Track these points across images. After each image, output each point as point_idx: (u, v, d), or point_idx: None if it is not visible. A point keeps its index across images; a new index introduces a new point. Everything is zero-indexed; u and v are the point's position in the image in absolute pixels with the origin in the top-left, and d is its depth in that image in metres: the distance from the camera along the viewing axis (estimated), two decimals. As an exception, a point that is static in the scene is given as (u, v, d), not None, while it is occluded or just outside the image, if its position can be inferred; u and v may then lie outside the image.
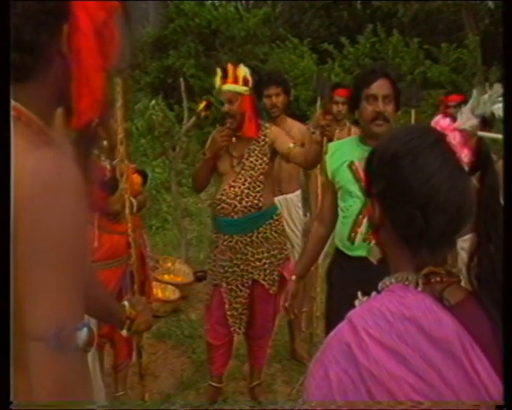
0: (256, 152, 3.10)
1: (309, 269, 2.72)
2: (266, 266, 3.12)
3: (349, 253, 2.43)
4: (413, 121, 4.84)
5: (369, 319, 0.92)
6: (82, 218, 0.91)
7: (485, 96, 0.99)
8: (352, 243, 2.41)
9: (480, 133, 1.01)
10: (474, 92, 1.01)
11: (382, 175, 1.01)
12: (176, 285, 4.75)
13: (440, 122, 1.02)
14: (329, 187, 2.54)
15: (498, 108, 1.01)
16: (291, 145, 3.03)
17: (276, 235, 3.14)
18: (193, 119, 4.96)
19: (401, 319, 0.91)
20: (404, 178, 0.97)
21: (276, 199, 3.52)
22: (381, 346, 0.90)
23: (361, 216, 2.36)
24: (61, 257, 0.85)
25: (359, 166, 2.35)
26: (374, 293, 1.04)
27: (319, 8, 14.57)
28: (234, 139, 3.09)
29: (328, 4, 14.46)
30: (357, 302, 1.05)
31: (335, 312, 2.42)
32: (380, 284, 1.03)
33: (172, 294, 4.65)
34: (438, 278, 0.97)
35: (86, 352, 0.91)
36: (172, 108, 7.37)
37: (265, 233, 3.10)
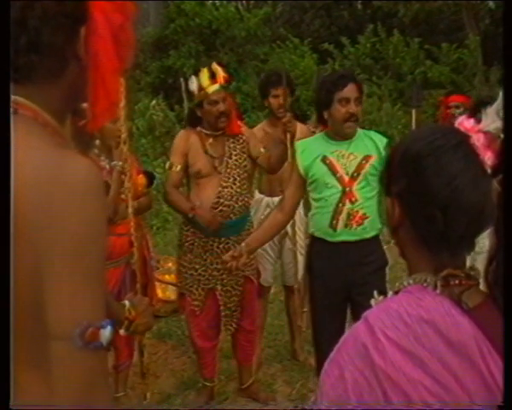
0: (237, 151, 3.12)
1: (256, 246, 2.83)
2: (253, 261, 3.20)
3: (331, 239, 2.65)
4: (413, 121, 4.84)
5: (387, 320, 0.92)
6: (105, 218, 0.92)
7: None
8: (335, 230, 2.63)
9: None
10: (500, 94, 0.99)
11: (404, 174, 0.99)
12: (176, 285, 4.73)
13: (464, 123, 1.01)
14: (295, 181, 2.75)
15: None
16: (262, 150, 3.18)
17: None
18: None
19: (419, 321, 0.90)
20: (426, 178, 0.96)
21: (278, 199, 3.52)
22: (398, 348, 0.89)
23: (341, 204, 2.61)
24: (87, 258, 0.85)
25: (333, 160, 2.65)
26: (390, 293, 1.03)
27: (320, 8, 14.57)
28: (211, 140, 3.08)
29: (329, 4, 14.45)
30: (373, 301, 1.03)
31: (319, 301, 2.76)
32: (397, 285, 1.01)
33: (173, 294, 4.63)
34: (457, 281, 0.96)
35: (108, 350, 0.92)
36: (173, 108, 7.36)
37: (251, 230, 3.14)
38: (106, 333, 0.86)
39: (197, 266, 3.10)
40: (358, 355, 0.91)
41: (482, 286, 0.99)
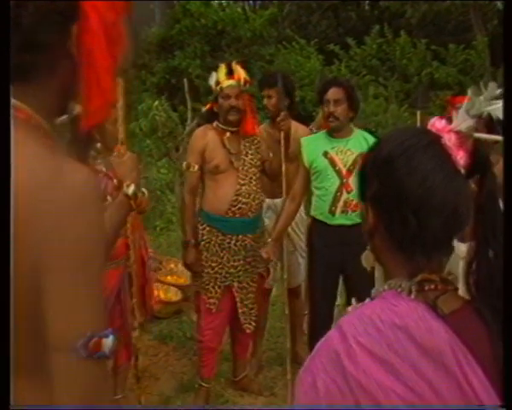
0: (253, 150, 3.21)
1: (282, 235, 3.31)
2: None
3: (330, 222, 3.13)
4: (418, 123, 4.79)
5: (359, 326, 0.89)
6: (103, 225, 0.92)
7: (481, 96, 0.96)
8: (333, 214, 3.12)
9: (477, 135, 0.97)
10: (469, 92, 0.97)
11: (376, 177, 0.97)
12: (179, 287, 4.72)
13: (436, 124, 0.98)
14: (302, 173, 3.22)
15: (496, 109, 0.97)
16: (271, 155, 3.32)
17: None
18: (196, 119, 4.94)
19: (392, 327, 0.87)
20: (397, 180, 0.94)
21: (279, 200, 3.53)
22: (370, 355, 0.86)
23: (339, 194, 3.10)
24: (88, 267, 0.85)
25: (333, 154, 3.13)
26: (368, 300, 1.00)
27: (327, 9, 14.53)
28: (228, 134, 3.14)
29: (336, 5, 14.42)
30: (349, 309, 1.01)
31: (317, 271, 3.22)
32: (373, 291, 1.00)
33: (175, 295, 4.63)
34: (432, 286, 0.93)
35: (110, 359, 0.91)
36: (176, 108, 7.33)
37: (263, 229, 3.35)
38: (109, 342, 0.86)
39: (214, 264, 3.16)
40: (331, 363, 0.88)
41: (462, 291, 0.96)
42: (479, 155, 0.97)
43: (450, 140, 0.95)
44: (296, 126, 3.58)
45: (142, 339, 4.13)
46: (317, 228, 3.23)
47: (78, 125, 1.07)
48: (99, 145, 2.88)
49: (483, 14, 12.54)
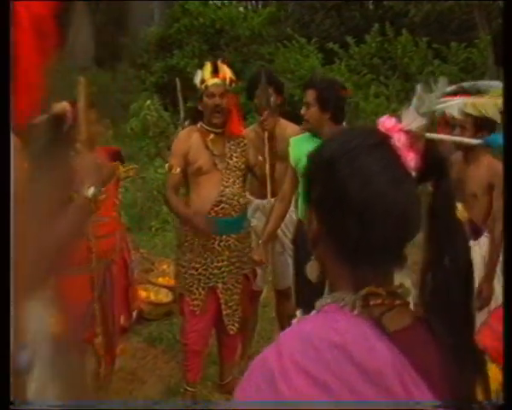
0: (237, 153, 3.14)
1: (272, 237, 3.30)
2: (249, 259, 3.24)
3: None
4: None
5: (296, 343, 0.82)
6: None
7: (431, 93, 0.88)
8: None
9: (429, 135, 0.90)
10: (418, 89, 0.89)
11: (318, 180, 0.90)
12: (170, 288, 4.66)
13: (386, 123, 0.90)
14: (290, 173, 3.16)
15: (450, 107, 0.90)
16: (260, 158, 3.27)
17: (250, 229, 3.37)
18: (189, 119, 4.87)
19: (330, 346, 0.80)
20: (339, 183, 0.86)
21: (267, 201, 3.47)
22: (304, 375, 0.79)
23: None
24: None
25: None
26: (313, 312, 0.93)
27: (330, 9, 14.47)
28: (212, 136, 3.08)
29: (339, 4, 14.35)
30: (294, 321, 0.95)
31: (306, 277, 3.05)
32: (316, 304, 0.92)
33: (165, 297, 4.57)
34: (378, 301, 0.85)
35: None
36: (167, 108, 7.25)
37: (249, 229, 3.29)
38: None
39: (197, 266, 3.10)
40: (264, 381, 0.81)
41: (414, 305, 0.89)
42: (433, 156, 0.89)
43: (399, 140, 0.87)
44: (285, 125, 3.52)
45: (131, 341, 4.09)
46: (303, 228, 3.16)
47: (57, 125, 1.03)
48: (78, 145, 2.84)
49: (487, 13, 12.42)
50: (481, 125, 2.81)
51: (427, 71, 10.88)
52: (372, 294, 0.85)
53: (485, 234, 3.02)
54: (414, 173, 0.87)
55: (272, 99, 3.55)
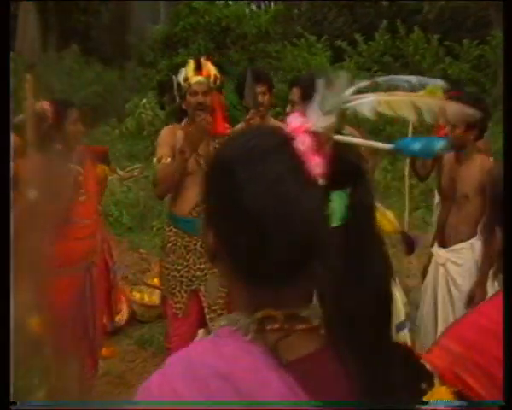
0: None
1: None
2: None
3: None
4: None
5: (180, 370, 0.73)
6: None
7: (335, 88, 0.77)
8: None
9: (338, 137, 0.79)
10: (319, 85, 0.78)
11: (213, 188, 0.79)
12: (160, 289, 4.60)
13: (292, 122, 0.77)
14: None
15: (361, 104, 0.80)
16: None
17: None
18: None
19: (215, 375, 0.71)
20: (233, 191, 0.75)
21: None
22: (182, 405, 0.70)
23: None
24: None
25: None
26: (214, 332, 0.83)
27: (343, 7, 14.34)
28: None
29: (352, 3, 14.23)
30: (196, 339, 0.87)
31: None
32: (215, 325, 0.84)
33: (159, 298, 4.51)
34: (275, 325, 0.74)
35: None
36: (163, 106, 7.18)
37: None
38: None
39: (179, 267, 3.02)
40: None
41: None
42: (345, 161, 0.79)
43: (303, 143, 0.75)
44: (273, 124, 3.44)
45: (121, 344, 4.04)
46: None
47: (37, 125, 0.99)
48: (59, 146, 2.81)
49: (503, 10, 12.17)
50: (472, 123, 2.71)
51: (438, 68, 10.70)
52: (269, 317, 0.74)
53: (477, 238, 2.90)
54: (321, 180, 0.75)
55: (260, 98, 3.48)
